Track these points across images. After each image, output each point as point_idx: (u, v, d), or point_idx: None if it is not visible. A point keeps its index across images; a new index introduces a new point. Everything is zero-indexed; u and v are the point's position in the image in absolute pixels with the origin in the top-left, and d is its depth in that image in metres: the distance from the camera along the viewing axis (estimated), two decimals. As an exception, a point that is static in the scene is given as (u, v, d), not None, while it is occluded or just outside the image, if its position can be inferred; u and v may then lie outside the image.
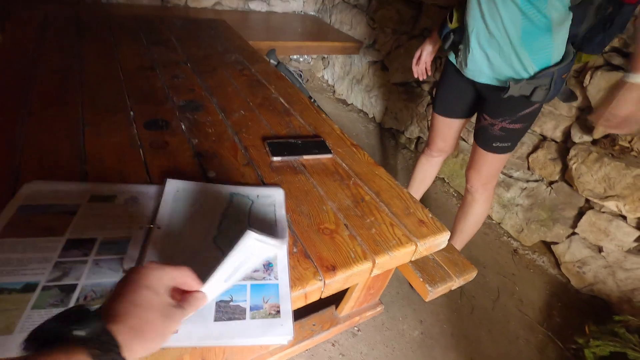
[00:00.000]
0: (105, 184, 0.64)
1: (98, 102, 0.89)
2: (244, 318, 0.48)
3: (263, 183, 0.73)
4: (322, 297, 0.58)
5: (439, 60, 2.02)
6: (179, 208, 0.61)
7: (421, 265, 1.00)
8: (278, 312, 0.49)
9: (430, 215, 0.72)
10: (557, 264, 1.69)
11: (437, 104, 1.33)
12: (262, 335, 0.47)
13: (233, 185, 0.70)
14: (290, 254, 0.58)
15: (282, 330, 0.47)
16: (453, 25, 1.14)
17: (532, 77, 1.01)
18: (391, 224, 0.68)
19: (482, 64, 1.07)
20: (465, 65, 1.12)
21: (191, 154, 0.77)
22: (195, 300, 0.41)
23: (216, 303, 0.49)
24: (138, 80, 1.03)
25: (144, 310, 0.35)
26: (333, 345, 1.27)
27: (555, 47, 0.98)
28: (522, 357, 1.34)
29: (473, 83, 1.16)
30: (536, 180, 1.74)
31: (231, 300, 0.50)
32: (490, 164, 1.23)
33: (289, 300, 0.51)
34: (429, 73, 1.35)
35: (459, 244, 1.42)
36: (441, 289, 0.96)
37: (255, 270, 0.54)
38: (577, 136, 1.51)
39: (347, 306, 1.22)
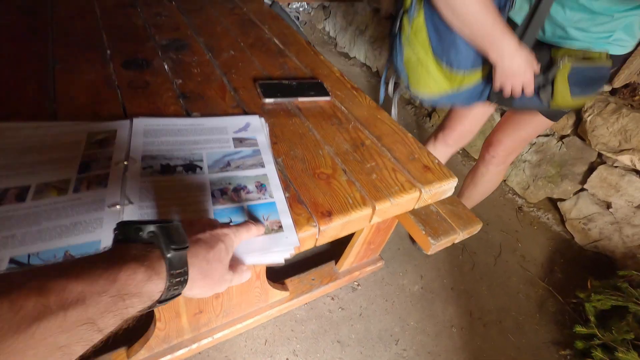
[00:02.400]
0: (75, 122, 0.58)
1: (71, 40, 0.80)
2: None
3: (254, 126, 0.66)
4: (317, 244, 0.54)
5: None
6: (152, 141, 0.57)
7: (424, 217, 0.95)
8: (280, 227, 0.49)
9: (437, 161, 0.66)
10: (562, 220, 1.66)
11: None
12: (269, 248, 0.46)
13: (208, 117, 0.65)
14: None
15: (288, 242, 0.47)
16: None
17: None
18: (393, 169, 0.62)
19: None
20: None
21: (174, 95, 0.70)
22: (242, 273, 0.42)
23: None
24: (116, 17, 0.93)
25: (216, 260, 0.37)
26: (333, 299, 1.27)
27: None
28: (521, 311, 1.34)
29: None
30: (547, 135, 1.66)
31: (230, 222, 0.48)
32: (534, 126, 1.03)
33: (289, 215, 0.50)
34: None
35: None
36: (444, 242, 0.92)
37: (249, 192, 0.53)
38: (595, 86, 1.41)
39: (347, 261, 1.20)
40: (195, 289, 0.35)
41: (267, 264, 0.47)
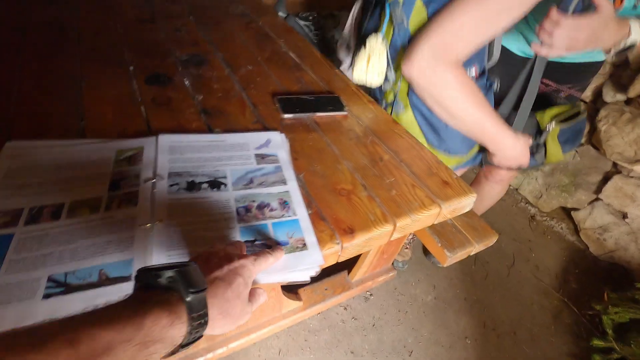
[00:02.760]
0: (103, 139, 0.60)
1: (95, 56, 0.83)
2: None
3: (274, 141, 0.68)
4: (339, 260, 0.54)
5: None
6: (177, 158, 0.59)
7: (439, 229, 0.95)
8: (304, 244, 0.49)
9: (455, 176, 0.67)
10: (576, 230, 1.64)
11: None
12: (294, 267, 0.47)
13: (230, 133, 0.67)
14: (305, 215, 0.54)
15: (313, 260, 0.48)
16: None
17: None
18: (412, 184, 0.63)
19: None
20: None
21: (196, 111, 0.71)
22: (258, 297, 0.43)
23: None
24: (137, 32, 0.96)
25: (234, 297, 0.37)
26: (345, 309, 1.28)
27: None
28: (535, 322, 1.33)
29: None
30: (560, 144, 1.65)
31: (255, 240, 0.49)
32: None
33: (312, 232, 0.51)
34: None
35: None
36: (460, 255, 0.92)
37: (273, 210, 0.53)
38: (610, 95, 1.40)
39: (360, 271, 1.20)
40: (217, 328, 0.36)
41: (293, 282, 0.48)
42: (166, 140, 0.61)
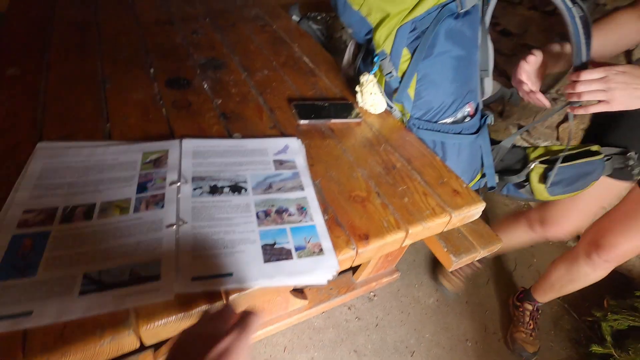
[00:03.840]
0: (129, 142, 0.62)
1: (117, 58, 0.85)
2: (292, 258, 0.50)
3: (290, 147, 0.70)
4: (353, 265, 0.57)
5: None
6: (200, 162, 0.61)
7: (445, 235, 0.97)
8: (321, 250, 0.52)
9: (465, 185, 0.69)
10: (578, 237, 1.66)
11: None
12: (312, 271, 0.49)
13: (249, 139, 0.69)
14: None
15: (329, 265, 0.50)
16: None
17: None
18: (424, 193, 0.65)
19: None
20: None
21: (215, 115, 0.74)
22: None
23: (261, 246, 0.50)
24: (156, 35, 0.98)
25: None
26: (349, 309, 1.30)
27: None
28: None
29: None
30: (565, 152, 1.66)
31: (275, 244, 0.51)
32: None
33: (328, 238, 0.53)
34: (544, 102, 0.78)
35: (547, 298, 1.25)
36: (465, 260, 0.94)
37: (291, 215, 0.56)
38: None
39: (365, 272, 1.23)
40: None
41: (310, 285, 0.50)
42: (190, 144, 0.63)
